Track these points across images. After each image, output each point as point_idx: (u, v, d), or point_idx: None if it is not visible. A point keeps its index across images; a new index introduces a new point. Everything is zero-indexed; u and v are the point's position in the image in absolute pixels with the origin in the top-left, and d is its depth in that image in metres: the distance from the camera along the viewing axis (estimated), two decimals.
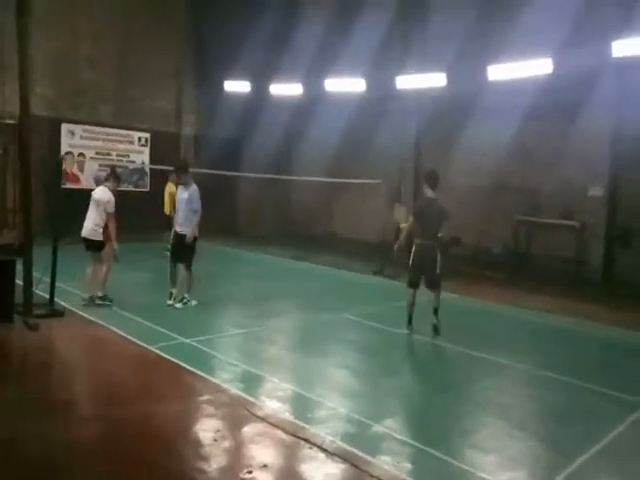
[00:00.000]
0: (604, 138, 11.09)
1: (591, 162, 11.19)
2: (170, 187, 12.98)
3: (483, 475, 3.76)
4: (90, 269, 7.76)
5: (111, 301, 7.81)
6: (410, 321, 7.05)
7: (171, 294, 8.01)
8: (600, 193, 11.19)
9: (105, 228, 7.70)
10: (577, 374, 5.89)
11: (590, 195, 11.27)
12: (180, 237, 7.93)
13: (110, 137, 15.28)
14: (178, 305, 7.92)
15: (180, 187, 8.17)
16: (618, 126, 10.94)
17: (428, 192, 7.16)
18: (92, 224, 7.67)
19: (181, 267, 8.04)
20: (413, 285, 7.04)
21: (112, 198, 7.74)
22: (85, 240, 7.73)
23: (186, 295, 8.01)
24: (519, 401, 5.30)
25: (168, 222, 12.86)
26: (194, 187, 8.06)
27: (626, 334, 7.74)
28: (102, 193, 7.78)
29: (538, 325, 8.27)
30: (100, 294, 7.81)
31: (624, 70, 10.64)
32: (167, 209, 12.80)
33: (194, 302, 8.02)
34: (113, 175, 8.20)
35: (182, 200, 7.99)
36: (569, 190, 11.32)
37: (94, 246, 7.71)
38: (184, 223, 7.93)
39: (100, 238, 7.69)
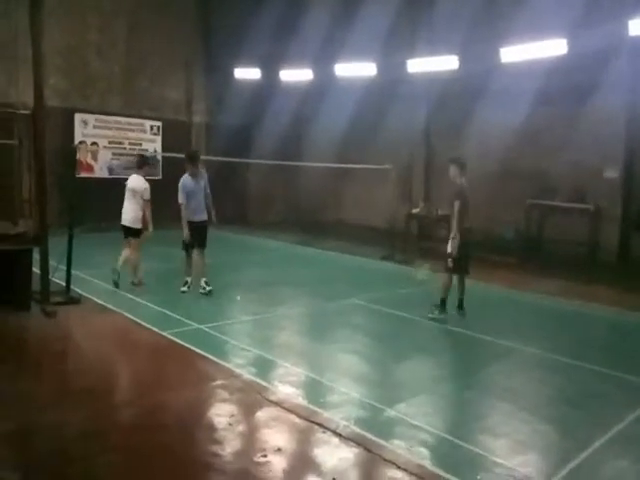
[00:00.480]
0: (619, 119, 10.90)
1: (606, 144, 11.01)
2: None
3: (496, 459, 3.78)
4: (127, 253, 8.12)
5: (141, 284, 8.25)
6: (445, 305, 7.11)
7: (186, 282, 8.08)
8: (615, 175, 11.04)
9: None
10: (589, 358, 5.87)
11: (605, 177, 11.11)
12: (200, 225, 7.96)
13: (122, 126, 15.31)
14: (208, 288, 7.99)
15: (191, 177, 8.03)
16: (633, 107, 10.75)
17: (463, 179, 7.18)
18: (132, 213, 8.05)
19: (196, 254, 8.06)
20: (457, 271, 7.08)
21: (147, 185, 8.10)
22: (125, 227, 8.12)
23: (206, 280, 8.07)
24: (531, 385, 5.30)
25: None
26: (205, 175, 8.18)
27: (638, 317, 7.69)
28: (137, 181, 8.12)
29: (550, 309, 8.23)
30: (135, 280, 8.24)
31: None
32: None
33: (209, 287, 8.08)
34: (145, 162, 8.60)
35: (198, 190, 7.96)
36: (583, 173, 11.17)
37: (133, 233, 8.09)
38: (203, 211, 8.01)
39: (140, 226, 8.09)
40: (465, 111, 12.98)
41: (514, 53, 11.37)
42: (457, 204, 6.87)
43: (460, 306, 7.21)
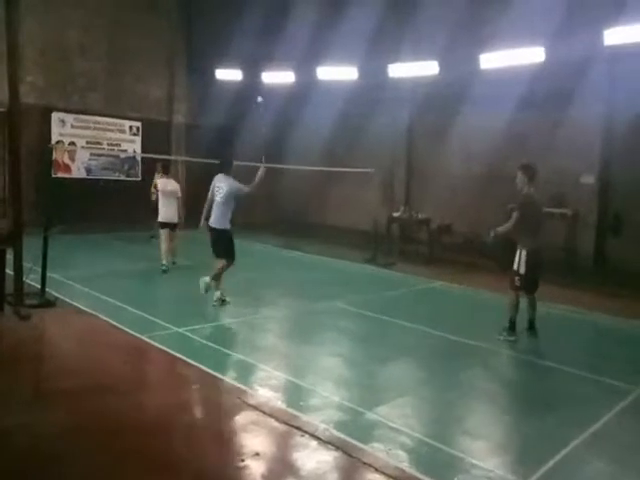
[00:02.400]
0: (596, 126, 11.12)
1: (583, 150, 11.22)
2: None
3: (474, 461, 3.80)
4: (166, 244, 9.54)
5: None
6: (514, 326, 6.50)
7: (222, 300, 7.62)
8: (592, 181, 11.23)
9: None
10: (565, 361, 5.94)
11: (582, 183, 11.30)
12: (219, 233, 7.55)
13: (101, 126, 15.14)
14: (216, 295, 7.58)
15: (218, 180, 7.59)
16: (610, 114, 10.96)
17: (532, 189, 6.50)
18: (175, 210, 9.60)
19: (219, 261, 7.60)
20: (524, 290, 6.48)
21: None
22: (169, 224, 9.57)
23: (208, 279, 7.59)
24: (508, 388, 5.36)
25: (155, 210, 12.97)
26: (232, 179, 7.70)
27: (616, 321, 7.81)
28: (174, 185, 9.72)
29: (526, 312, 8.31)
30: (165, 262, 9.46)
31: (616, 59, 10.64)
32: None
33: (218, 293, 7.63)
34: (167, 167, 10.43)
35: (220, 194, 7.48)
36: (561, 178, 11.34)
37: (174, 226, 9.67)
38: (220, 219, 7.52)
39: (178, 220, 9.69)
40: (447, 116, 13.12)
41: (493, 60, 11.53)
42: (515, 216, 6.30)
43: (531, 327, 6.58)
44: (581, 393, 5.23)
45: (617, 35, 9.91)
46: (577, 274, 10.55)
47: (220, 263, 7.50)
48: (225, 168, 7.69)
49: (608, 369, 5.74)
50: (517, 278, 6.33)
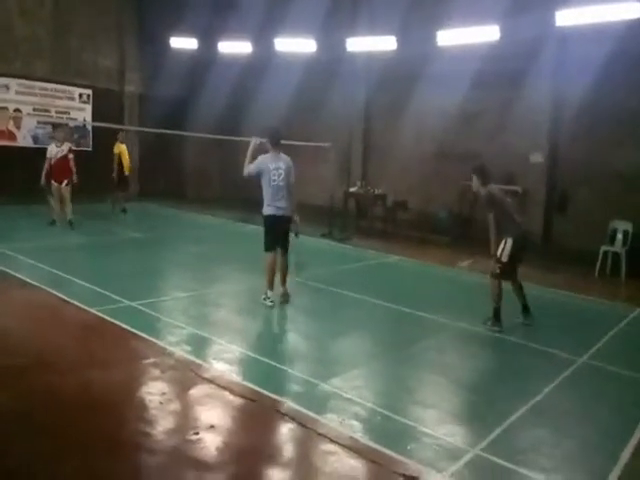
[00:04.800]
0: (545, 107, 11.37)
1: (533, 129, 11.48)
2: (119, 147, 12.70)
3: (425, 429, 3.92)
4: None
5: None
6: (499, 315, 6.23)
7: (269, 298, 6.65)
8: (540, 159, 11.54)
9: None
10: (513, 332, 6.16)
11: (532, 161, 11.60)
12: (283, 221, 6.70)
13: (49, 92, 14.46)
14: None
15: (270, 157, 6.64)
16: (558, 95, 11.23)
17: (491, 185, 6.52)
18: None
19: (280, 255, 6.76)
20: (505, 277, 6.29)
21: None
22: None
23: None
24: (459, 359, 5.52)
25: (119, 182, 12.76)
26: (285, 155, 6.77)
27: (560, 295, 8.16)
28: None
29: (476, 286, 8.54)
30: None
31: (566, 40, 10.87)
32: (127, 168, 12.69)
33: (269, 302, 6.61)
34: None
35: (279, 172, 6.58)
36: (512, 157, 11.60)
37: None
38: (287, 203, 6.67)
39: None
40: (403, 92, 13.15)
41: (450, 37, 11.58)
42: (490, 218, 6.21)
43: (526, 311, 6.45)
44: (529, 364, 5.44)
45: (568, 16, 10.12)
46: (527, 251, 10.88)
47: (270, 257, 6.65)
48: (278, 144, 6.72)
49: (555, 341, 5.97)
50: (498, 266, 6.15)
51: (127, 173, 12.89)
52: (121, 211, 12.62)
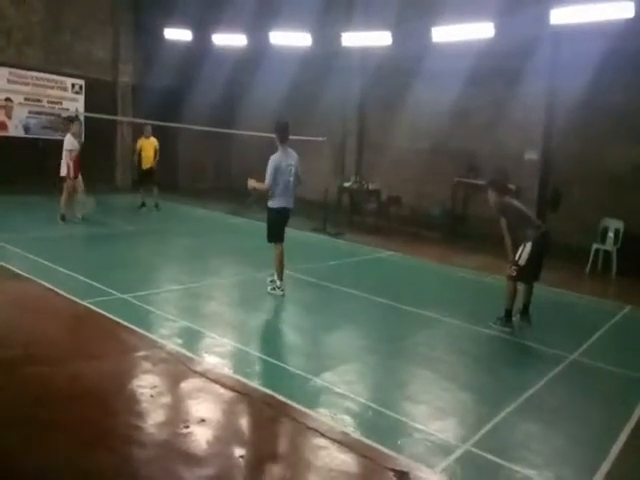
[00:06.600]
0: (540, 104, 11.39)
1: (527, 127, 11.50)
2: (142, 142, 12.59)
3: (416, 425, 3.92)
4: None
5: None
6: (510, 316, 6.22)
7: (275, 284, 6.92)
8: (535, 157, 11.56)
9: None
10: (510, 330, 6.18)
11: (526, 158, 11.62)
12: (289, 212, 6.96)
13: (41, 82, 14.30)
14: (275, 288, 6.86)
15: (281, 155, 6.86)
16: (553, 93, 11.24)
17: (505, 197, 6.38)
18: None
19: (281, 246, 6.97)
20: (522, 280, 6.27)
21: None
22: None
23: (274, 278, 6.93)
24: (450, 354, 5.53)
25: (141, 178, 12.58)
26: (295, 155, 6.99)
27: (551, 292, 8.15)
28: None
29: (468, 282, 8.61)
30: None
31: (560, 38, 10.88)
32: (148, 162, 12.54)
33: (280, 292, 6.82)
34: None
35: (289, 169, 6.82)
36: (506, 154, 11.62)
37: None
38: (293, 196, 6.94)
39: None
40: (398, 87, 13.13)
41: (445, 33, 11.55)
42: (503, 222, 6.17)
43: (525, 312, 6.40)
44: (519, 360, 5.47)
45: (563, 15, 10.11)
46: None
47: (279, 248, 6.91)
48: (287, 140, 6.93)
49: (546, 338, 6.01)
50: (514, 268, 6.08)
51: (146, 167, 12.51)
52: (154, 206, 12.32)
